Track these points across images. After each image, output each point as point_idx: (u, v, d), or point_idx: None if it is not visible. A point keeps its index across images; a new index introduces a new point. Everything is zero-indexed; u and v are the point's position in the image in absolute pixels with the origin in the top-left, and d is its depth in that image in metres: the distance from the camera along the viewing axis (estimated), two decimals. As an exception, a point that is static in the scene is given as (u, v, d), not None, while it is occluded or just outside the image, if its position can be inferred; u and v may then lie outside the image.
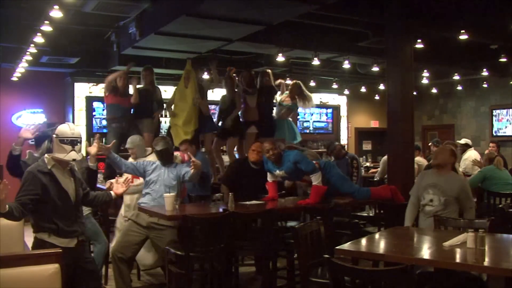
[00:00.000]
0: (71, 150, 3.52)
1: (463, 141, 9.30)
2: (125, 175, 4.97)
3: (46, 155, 3.60)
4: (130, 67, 7.37)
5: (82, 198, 3.72)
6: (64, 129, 3.58)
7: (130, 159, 5.71)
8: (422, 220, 4.72)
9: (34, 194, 3.38)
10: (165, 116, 7.76)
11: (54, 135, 3.55)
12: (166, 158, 5.22)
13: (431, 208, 4.58)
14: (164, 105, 7.70)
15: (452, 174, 4.73)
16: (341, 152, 7.97)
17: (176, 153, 5.66)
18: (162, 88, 7.87)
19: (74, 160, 3.56)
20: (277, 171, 5.54)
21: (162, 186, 5.09)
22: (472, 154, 8.85)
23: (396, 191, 5.63)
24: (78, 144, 3.59)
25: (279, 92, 8.01)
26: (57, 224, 3.48)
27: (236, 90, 7.53)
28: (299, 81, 7.85)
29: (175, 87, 7.71)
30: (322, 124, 13.20)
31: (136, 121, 7.27)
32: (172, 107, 7.47)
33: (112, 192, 4.01)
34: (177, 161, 5.46)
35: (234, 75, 7.68)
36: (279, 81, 8.25)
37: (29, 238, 4.46)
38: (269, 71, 8.02)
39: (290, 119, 7.96)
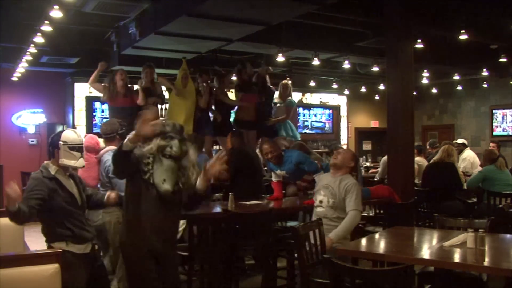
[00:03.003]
0: (80, 157, 3.52)
1: (460, 141, 9.32)
2: None
3: (45, 162, 3.53)
4: (103, 67, 6.92)
5: (88, 200, 3.66)
6: (72, 135, 3.53)
7: None
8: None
9: (40, 197, 3.29)
10: (165, 109, 7.75)
11: (62, 142, 3.47)
12: None
13: (320, 210, 4.35)
14: (166, 100, 7.63)
15: (346, 176, 4.38)
16: None
17: None
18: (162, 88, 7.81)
19: (83, 167, 3.57)
20: (279, 171, 5.60)
21: None
22: (470, 154, 8.86)
23: (392, 191, 5.67)
24: (83, 150, 3.60)
25: (276, 93, 8.04)
26: (71, 229, 3.41)
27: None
28: (286, 81, 8.04)
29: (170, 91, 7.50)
30: (322, 124, 13.20)
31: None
32: (167, 106, 7.41)
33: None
34: None
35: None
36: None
37: (29, 238, 4.47)
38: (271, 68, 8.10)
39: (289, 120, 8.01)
